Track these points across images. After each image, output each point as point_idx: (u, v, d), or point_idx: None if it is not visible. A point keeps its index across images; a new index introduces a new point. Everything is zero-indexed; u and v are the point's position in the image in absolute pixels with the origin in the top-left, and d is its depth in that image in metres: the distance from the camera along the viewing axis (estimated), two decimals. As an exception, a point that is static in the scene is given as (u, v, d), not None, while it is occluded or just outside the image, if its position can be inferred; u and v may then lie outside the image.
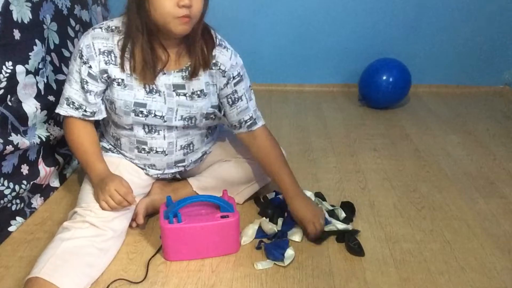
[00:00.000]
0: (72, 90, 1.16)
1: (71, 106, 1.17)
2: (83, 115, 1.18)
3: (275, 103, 2.41)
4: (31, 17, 1.29)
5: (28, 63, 1.26)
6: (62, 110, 1.18)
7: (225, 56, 1.18)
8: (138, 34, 1.07)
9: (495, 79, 2.60)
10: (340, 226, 1.26)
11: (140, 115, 1.16)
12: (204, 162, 1.39)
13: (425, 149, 1.85)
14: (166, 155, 1.26)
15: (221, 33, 1.36)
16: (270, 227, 1.24)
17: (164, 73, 1.15)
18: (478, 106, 2.37)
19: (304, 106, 2.37)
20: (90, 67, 1.12)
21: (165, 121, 1.19)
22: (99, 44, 1.11)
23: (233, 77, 1.20)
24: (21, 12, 1.25)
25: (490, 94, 2.55)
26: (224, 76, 1.19)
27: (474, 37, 2.46)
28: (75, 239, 1.04)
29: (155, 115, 1.17)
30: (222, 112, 1.28)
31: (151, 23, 1.04)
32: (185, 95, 1.17)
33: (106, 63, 1.11)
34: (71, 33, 1.56)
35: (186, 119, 1.20)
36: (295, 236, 1.24)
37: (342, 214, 1.33)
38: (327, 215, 1.32)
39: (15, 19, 1.22)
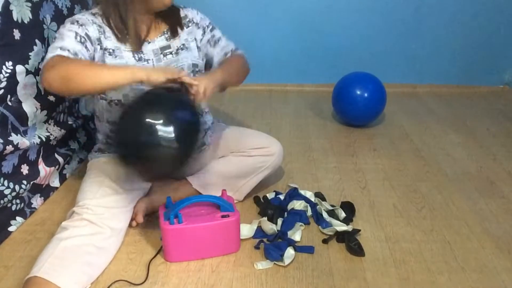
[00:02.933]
0: (65, 42, 1.10)
1: (65, 51, 1.07)
2: (74, 57, 1.09)
3: (275, 103, 2.41)
4: (31, 17, 1.29)
5: (28, 63, 1.27)
6: (51, 54, 1.07)
7: (193, 13, 1.35)
8: (115, 9, 1.16)
9: (495, 79, 2.60)
10: (339, 228, 1.26)
11: None
12: (202, 160, 1.40)
13: (425, 149, 1.85)
14: None
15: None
16: (270, 227, 1.24)
17: (149, 42, 1.24)
18: (478, 106, 2.37)
19: (304, 106, 2.37)
20: (87, 29, 1.16)
21: None
22: (90, 20, 1.18)
23: (207, 26, 1.36)
24: (21, 12, 1.25)
25: (490, 94, 2.55)
26: (199, 28, 1.34)
27: (474, 37, 2.46)
28: (73, 238, 1.05)
29: None
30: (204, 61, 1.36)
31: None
32: (171, 53, 1.27)
33: (99, 33, 1.18)
34: (71, 33, 1.56)
35: None
36: (295, 235, 1.24)
37: (342, 214, 1.33)
38: (326, 215, 1.32)
39: (15, 19, 1.22)
